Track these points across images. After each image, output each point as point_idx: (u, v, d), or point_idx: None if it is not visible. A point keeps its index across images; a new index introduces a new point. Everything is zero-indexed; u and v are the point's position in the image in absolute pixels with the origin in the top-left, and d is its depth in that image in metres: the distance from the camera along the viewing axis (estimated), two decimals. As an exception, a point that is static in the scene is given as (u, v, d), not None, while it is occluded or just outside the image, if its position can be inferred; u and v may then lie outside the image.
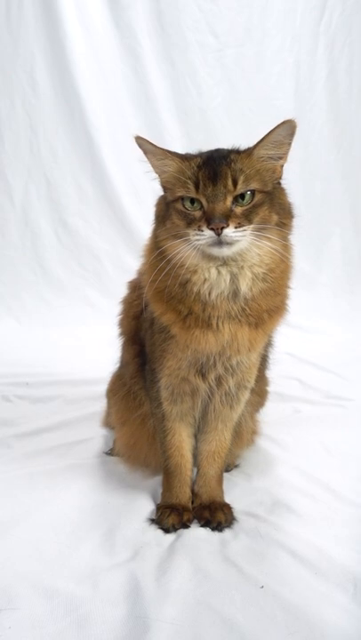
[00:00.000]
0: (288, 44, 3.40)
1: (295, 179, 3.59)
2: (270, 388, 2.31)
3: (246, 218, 1.23)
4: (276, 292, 1.34)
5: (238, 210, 1.23)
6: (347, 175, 3.59)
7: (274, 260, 1.29)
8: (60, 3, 3.12)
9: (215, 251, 1.23)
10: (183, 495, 1.51)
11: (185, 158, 1.30)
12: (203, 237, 1.21)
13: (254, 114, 3.36)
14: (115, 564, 1.27)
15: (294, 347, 2.99)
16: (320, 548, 1.32)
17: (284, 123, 1.24)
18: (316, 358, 2.89)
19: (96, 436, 1.97)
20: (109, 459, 1.79)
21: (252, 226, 1.23)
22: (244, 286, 1.28)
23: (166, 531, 1.42)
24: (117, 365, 1.84)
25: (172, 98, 3.36)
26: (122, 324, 1.70)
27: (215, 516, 1.45)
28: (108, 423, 1.96)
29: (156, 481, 1.60)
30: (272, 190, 1.29)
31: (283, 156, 1.30)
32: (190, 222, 1.25)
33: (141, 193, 3.28)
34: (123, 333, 1.69)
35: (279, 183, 1.34)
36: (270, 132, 1.25)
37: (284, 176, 1.35)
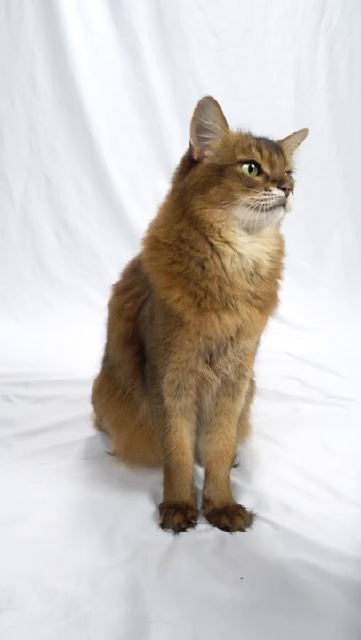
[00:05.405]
0: (288, 44, 3.40)
1: (295, 178, 3.62)
2: (270, 388, 2.33)
3: None
4: (277, 277, 1.42)
5: None
6: (347, 175, 3.59)
7: (281, 241, 1.42)
8: (60, 3, 3.12)
9: (276, 214, 1.28)
10: (185, 493, 1.49)
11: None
12: (272, 197, 1.25)
13: (255, 113, 3.33)
14: (115, 564, 1.27)
15: (294, 347, 3.01)
16: (320, 547, 1.32)
17: (302, 130, 1.41)
18: (316, 358, 2.89)
19: (96, 435, 1.96)
20: (109, 458, 1.79)
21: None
22: (265, 262, 1.35)
23: (174, 531, 1.39)
24: (100, 368, 1.83)
25: (172, 97, 3.35)
26: (114, 327, 1.66)
27: (234, 521, 1.41)
28: (101, 426, 1.92)
29: (157, 480, 1.59)
30: None
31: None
32: (251, 186, 1.27)
33: (141, 193, 3.26)
34: (118, 337, 1.64)
35: None
36: (293, 135, 1.41)
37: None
